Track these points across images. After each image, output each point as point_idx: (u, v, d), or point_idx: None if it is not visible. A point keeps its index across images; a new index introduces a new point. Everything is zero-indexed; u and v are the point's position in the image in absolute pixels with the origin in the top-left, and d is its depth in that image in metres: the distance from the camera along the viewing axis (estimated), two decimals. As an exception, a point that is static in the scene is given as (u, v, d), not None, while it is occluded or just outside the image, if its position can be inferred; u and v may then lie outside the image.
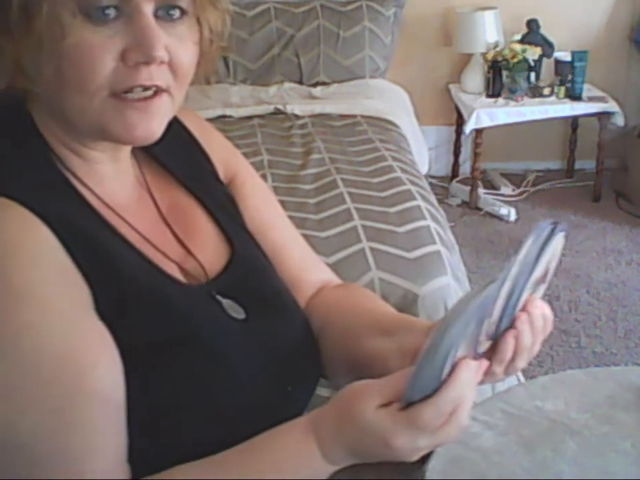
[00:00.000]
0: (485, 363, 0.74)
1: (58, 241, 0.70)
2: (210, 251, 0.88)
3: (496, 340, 0.78)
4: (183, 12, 0.74)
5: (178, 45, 0.74)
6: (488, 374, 0.77)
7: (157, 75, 0.72)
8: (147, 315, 0.74)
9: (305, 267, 1.00)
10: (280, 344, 0.86)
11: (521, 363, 0.80)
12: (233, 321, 0.83)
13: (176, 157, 0.90)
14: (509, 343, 0.77)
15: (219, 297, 0.83)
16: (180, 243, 0.86)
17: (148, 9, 0.71)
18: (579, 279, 3.07)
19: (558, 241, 0.79)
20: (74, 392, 0.67)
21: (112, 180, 0.81)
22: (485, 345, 0.76)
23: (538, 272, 0.78)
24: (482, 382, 0.76)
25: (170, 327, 0.76)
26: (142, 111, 0.73)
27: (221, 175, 0.96)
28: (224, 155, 0.97)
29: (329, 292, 1.00)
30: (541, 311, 0.81)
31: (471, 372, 0.68)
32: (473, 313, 0.66)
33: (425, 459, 0.89)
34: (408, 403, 0.67)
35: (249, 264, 0.90)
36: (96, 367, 0.69)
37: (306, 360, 0.90)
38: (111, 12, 0.70)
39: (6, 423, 0.65)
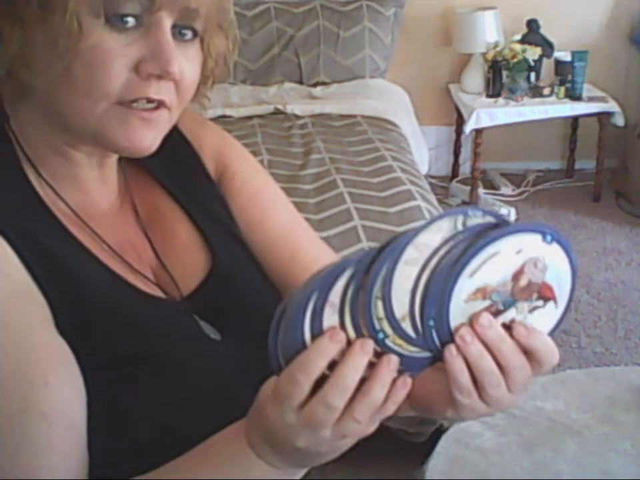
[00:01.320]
0: (394, 360, 0.57)
1: (16, 255, 0.68)
2: (188, 263, 0.84)
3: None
4: (195, 34, 0.74)
5: (186, 65, 0.73)
6: (448, 401, 0.60)
7: (164, 90, 0.72)
8: (112, 330, 0.72)
9: (317, 257, 0.91)
10: (256, 365, 0.76)
11: (504, 398, 0.59)
12: (207, 339, 0.80)
13: (162, 161, 0.86)
14: (450, 363, 0.57)
15: (195, 317, 0.80)
16: (156, 256, 0.83)
17: (167, 24, 0.71)
18: (578, 279, 3.03)
19: (546, 251, 0.60)
20: (21, 410, 0.65)
21: (93, 186, 0.79)
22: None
23: (479, 281, 0.57)
24: (453, 416, 0.62)
25: (137, 342, 0.73)
26: (144, 122, 0.72)
27: (212, 173, 0.92)
28: (215, 150, 0.93)
29: None
30: (495, 334, 0.57)
31: (360, 357, 0.56)
32: (319, 279, 0.56)
33: (425, 459, 0.89)
34: (277, 369, 0.59)
35: (230, 275, 0.85)
36: (47, 384, 0.66)
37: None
38: (131, 20, 0.69)
39: None
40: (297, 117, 3.14)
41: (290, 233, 0.93)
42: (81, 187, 0.78)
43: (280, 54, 3.56)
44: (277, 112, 3.20)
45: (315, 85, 3.52)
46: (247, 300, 0.85)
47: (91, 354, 0.70)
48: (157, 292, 0.80)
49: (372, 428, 0.59)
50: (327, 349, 0.56)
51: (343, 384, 0.56)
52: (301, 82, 3.55)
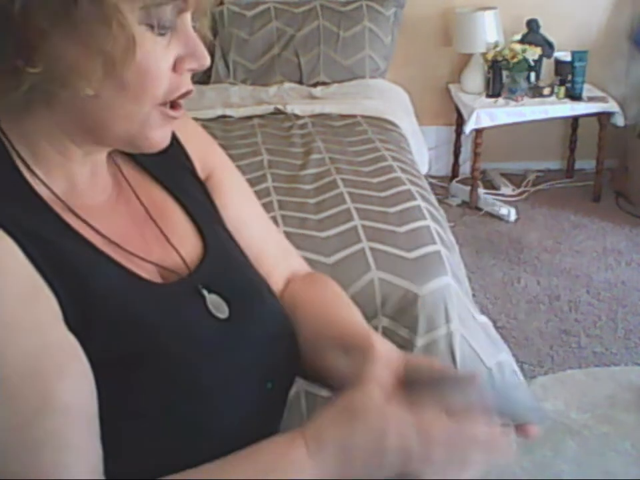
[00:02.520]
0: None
1: (21, 251, 0.68)
2: (187, 245, 0.87)
3: None
4: (195, 29, 0.78)
5: None
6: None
7: (190, 81, 0.77)
8: (118, 323, 0.73)
9: (276, 261, 0.99)
10: (260, 340, 0.84)
11: None
12: (215, 321, 0.81)
13: (152, 154, 0.87)
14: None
15: (204, 292, 0.82)
16: (165, 237, 0.85)
17: (190, 21, 0.75)
18: (578, 279, 3.07)
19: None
20: (40, 407, 0.65)
21: (86, 181, 0.80)
22: None
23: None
24: None
25: (146, 334, 0.74)
26: (174, 120, 0.78)
27: (199, 171, 0.95)
28: (202, 151, 0.96)
29: (296, 287, 0.98)
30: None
31: (506, 437, 0.72)
32: None
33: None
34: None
35: (222, 258, 0.89)
36: (62, 380, 0.67)
37: (284, 354, 0.88)
38: (170, 25, 0.73)
39: None
40: (297, 116, 3.14)
41: (262, 245, 0.99)
42: (76, 183, 0.79)
43: (280, 54, 3.56)
44: (277, 112, 3.20)
45: (315, 85, 3.52)
46: (245, 276, 0.90)
47: (99, 347, 0.71)
48: (163, 279, 0.81)
49: (446, 474, 0.70)
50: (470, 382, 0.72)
51: (470, 434, 0.70)
52: (300, 82, 3.55)
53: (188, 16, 0.75)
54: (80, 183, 0.79)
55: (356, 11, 3.61)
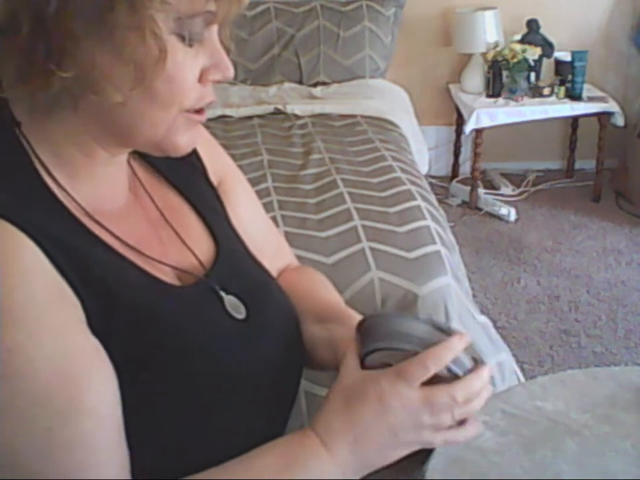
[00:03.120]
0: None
1: (45, 256, 0.68)
2: (201, 246, 0.88)
3: None
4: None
5: None
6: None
7: (212, 91, 0.78)
8: (141, 327, 0.74)
9: (273, 257, 1.02)
10: (275, 338, 0.87)
11: None
12: (234, 321, 0.83)
13: (169, 159, 0.89)
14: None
15: (221, 293, 0.83)
16: (180, 238, 0.86)
17: (216, 33, 0.76)
18: (578, 279, 3.07)
19: None
20: (68, 410, 0.66)
21: (108, 183, 0.81)
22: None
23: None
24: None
25: (167, 338, 0.75)
26: (199, 125, 0.79)
27: (211, 175, 0.96)
28: (213, 157, 0.98)
29: (286, 275, 1.03)
30: None
31: (487, 376, 0.76)
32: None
33: (425, 459, 0.89)
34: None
35: (234, 258, 0.91)
36: (89, 383, 0.68)
37: (296, 348, 0.91)
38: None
39: (2, 443, 0.65)
40: (297, 116, 3.14)
41: (264, 243, 1.01)
42: (98, 185, 0.79)
43: (280, 54, 3.56)
44: (277, 112, 3.20)
45: (315, 85, 3.52)
46: (256, 274, 0.92)
47: (122, 351, 0.71)
48: (181, 281, 0.82)
49: (456, 435, 0.76)
50: (455, 347, 0.73)
51: (471, 389, 0.74)
52: (300, 82, 3.55)
53: (215, 28, 0.75)
54: (102, 186, 0.80)
55: (356, 10, 3.61)
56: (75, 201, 0.76)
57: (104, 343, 0.70)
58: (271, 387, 0.84)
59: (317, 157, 2.64)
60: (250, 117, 3.16)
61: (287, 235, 1.94)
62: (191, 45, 0.72)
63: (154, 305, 0.76)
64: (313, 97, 3.41)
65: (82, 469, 0.67)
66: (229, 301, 0.84)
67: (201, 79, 0.75)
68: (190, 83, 0.74)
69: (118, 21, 0.67)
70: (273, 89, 3.46)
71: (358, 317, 0.89)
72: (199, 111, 0.78)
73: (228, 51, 0.78)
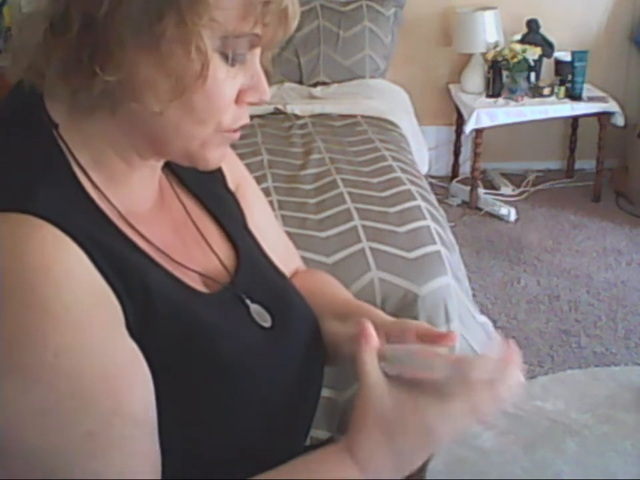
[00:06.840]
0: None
1: (89, 260, 0.68)
2: (222, 252, 0.89)
3: None
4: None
5: None
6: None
7: (247, 113, 0.79)
8: (174, 331, 0.74)
9: (285, 260, 1.02)
10: (300, 345, 0.87)
11: None
12: (261, 330, 0.83)
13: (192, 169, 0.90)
14: None
15: (247, 301, 0.84)
16: (205, 241, 0.87)
17: (259, 56, 0.77)
18: (578, 279, 3.07)
19: None
20: (111, 414, 0.66)
21: (143, 188, 0.81)
22: None
23: None
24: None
25: (199, 344, 0.76)
26: (229, 142, 0.80)
27: (229, 182, 0.98)
28: (230, 164, 0.99)
29: (298, 277, 1.03)
30: None
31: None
32: None
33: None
34: None
35: (255, 264, 0.91)
36: (132, 388, 0.68)
37: (316, 350, 0.91)
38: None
39: (42, 446, 0.64)
40: (297, 116, 3.14)
41: (276, 247, 1.02)
42: (133, 190, 0.80)
43: (280, 54, 3.55)
44: (277, 112, 3.20)
45: (315, 85, 3.53)
46: (276, 280, 0.93)
47: (157, 355, 0.71)
48: (207, 288, 0.83)
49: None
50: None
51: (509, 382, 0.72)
52: (300, 82, 3.55)
53: (258, 51, 0.76)
54: (137, 190, 0.80)
55: (356, 10, 3.61)
56: (111, 204, 0.76)
57: (141, 347, 0.70)
58: (297, 394, 0.85)
59: (316, 157, 2.64)
60: (250, 117, 3.15)
61: (287, 235, 1.93)
62: (232, 65, 0.73)
63: (189, 312, 0.76)
64: (312, 97, 3.41)
65: (119, 473, 0.66)
66: (255, 309, 0.84)
67: (238, 99, 0.76)
68: (227, 101, 0.74)
69: (166, 32, 0.68)
70: (272, 89, 3.45)
71: (374, 310, 0.91)
72: (234, 130, 0.79)
73: (268, 75, 0.78)
